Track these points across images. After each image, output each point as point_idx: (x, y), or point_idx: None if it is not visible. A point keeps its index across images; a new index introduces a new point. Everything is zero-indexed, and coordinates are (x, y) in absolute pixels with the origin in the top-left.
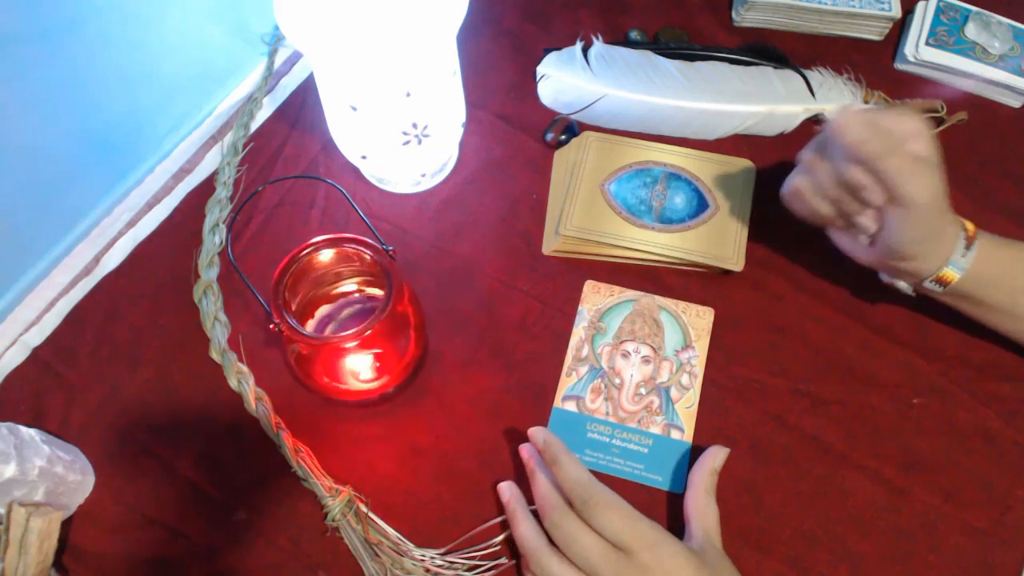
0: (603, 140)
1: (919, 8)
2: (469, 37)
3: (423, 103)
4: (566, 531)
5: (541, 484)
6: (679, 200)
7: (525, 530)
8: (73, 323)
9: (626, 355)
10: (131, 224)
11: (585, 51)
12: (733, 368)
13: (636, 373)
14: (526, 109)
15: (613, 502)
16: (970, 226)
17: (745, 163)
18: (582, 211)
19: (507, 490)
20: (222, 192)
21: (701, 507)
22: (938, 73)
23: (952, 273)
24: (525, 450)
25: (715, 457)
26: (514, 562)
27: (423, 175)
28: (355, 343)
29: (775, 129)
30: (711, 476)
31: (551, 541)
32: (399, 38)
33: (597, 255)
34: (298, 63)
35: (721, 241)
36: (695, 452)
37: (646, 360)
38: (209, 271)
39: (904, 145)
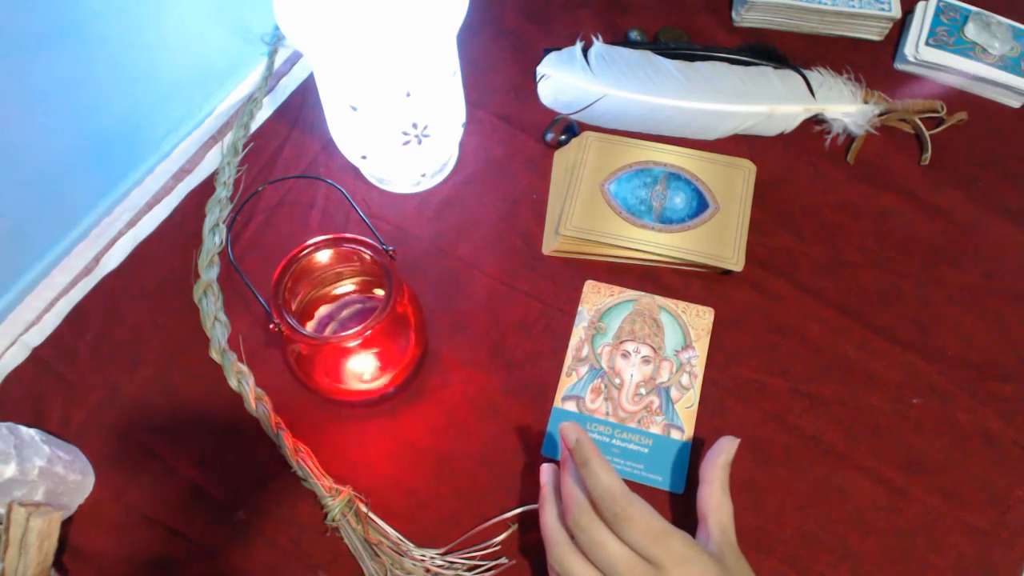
0: (603, 140)
1: (919, 8)
2: (469, 37)
3: (423, 103)
4: (592, 536)
5: (568, 481)
6: (679, 200)
7: (550, 521)
8: (73, 323)
9: (626, 355)
10: (131, 224)
11: (585, 51)
12: (733, 368)
13: (636, 373)
14: (526, 109)
15: (645, 513)
16: None
17: (745, 163)
18: (582, 211)
19: (546, 473)
20: (222, 192)
21: (716, 503)
22: (938, 73)
23: None
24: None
25: (727, 451)
26: (514, 562)
27: (423, 175)
28: (355, 343)
29: (775, 129)
30: (724, 470)
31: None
32: (399, 38)
33: (597, 255)
34: (298, 63)
35: (721, 241)
36: (695, 452)
37: (646, 360)
38: (209, 271)
39: None
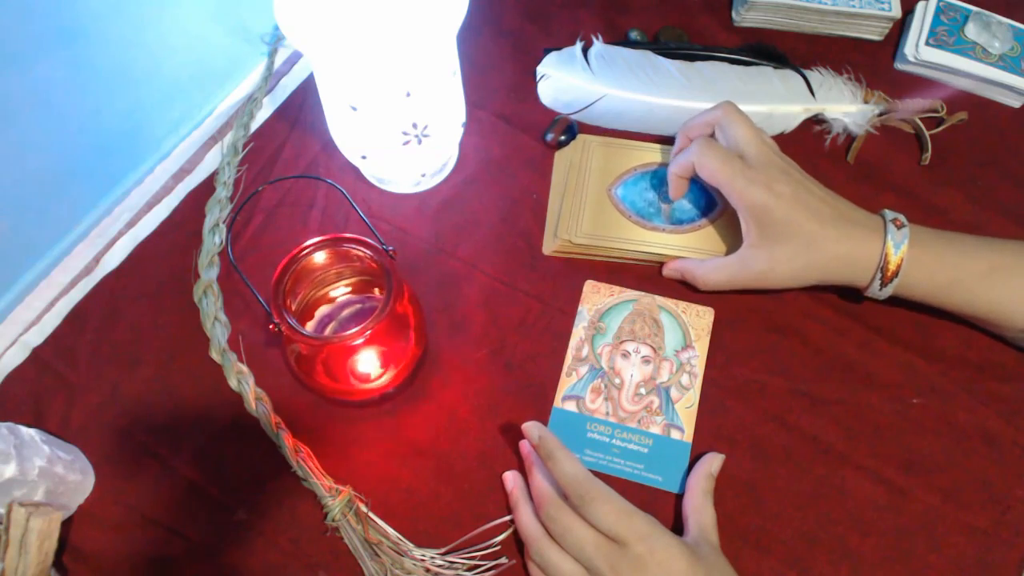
0: (606, 144)
1: (919, 8)
2: (469, 37)
3: (423, 103)
4: (561, 524)
5: (536, 478)
6: (687, 200)
7: (526, 519)
8: (73, 323)
9: (626, 355)
10: (131, 224)
11: (585, 51)
12: (733, 368)
13: (636, 373)
14: (526, 109)
15: (608, 496)
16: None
17: None
18: (591, 217)
19: (511, 479)
20: (222, 192)
21: (698, 506)
22: (938, 73)
23: (893, 250)
24: (525, 447)
25: (711, 463)
26: (514, 562)
27: (423, 175)
28: (355, 343)
29: (775, 129)
30: (707, 480)
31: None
32: (399, 38)
33: (597, 256)
34: (298, 63)
35: (734, 238)
36: (695, 452)
37: (646, 360)
38: (209, 271)
39: None
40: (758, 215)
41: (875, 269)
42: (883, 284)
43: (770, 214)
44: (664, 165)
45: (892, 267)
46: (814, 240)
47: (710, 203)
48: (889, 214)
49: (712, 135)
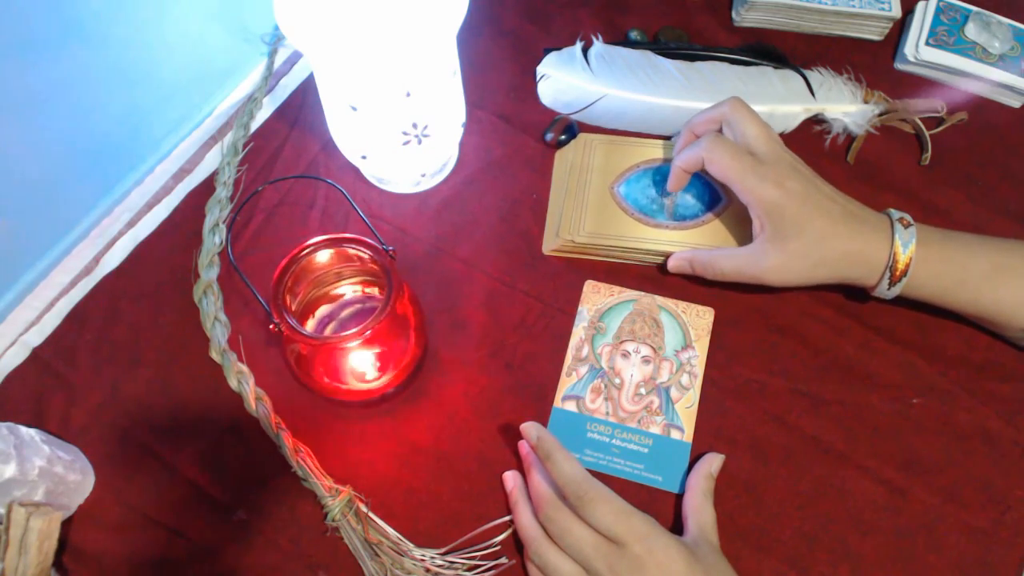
0: (608, 142)
1: (919, 8)
2: (469, 37)
3: (423, 103)
4: (559, 524)
5: (535, 479)
6: (691, 196)
7: (525, 520)
8: (73, 323)
9: (626, 355)
10: (131, 224)
11: (585, 51)
12: (733, 368)
13: (636, 373)
14: (526, 109)
15: (606, 496)
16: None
17: None
18: (594, 215)
19: (511, 479)
20: (222, 192)
21: (697, 506)
22: (938, 73)
23: (901, 249)
24: (523, 447)
25: (711, 463)
26: (514, 562)
27: (423, 175)
28: (355, 343)
29: (775, 129)
30: (707, 480)
31: None
32: (399, 38)
33: (599, 255)
34: (298, 63)
35: (739, 233)
36: (695, 452)
37: (646, 360)
38: (209, 271)
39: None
40: (770, 212)
41: (883, 268)
42: (891, 283)
43: (782, 211)
44: (667, 161)
45: (901, 266)
46: (825, 237)
47: (714, 199)
48: (895, 213)
49: (720, 131)
